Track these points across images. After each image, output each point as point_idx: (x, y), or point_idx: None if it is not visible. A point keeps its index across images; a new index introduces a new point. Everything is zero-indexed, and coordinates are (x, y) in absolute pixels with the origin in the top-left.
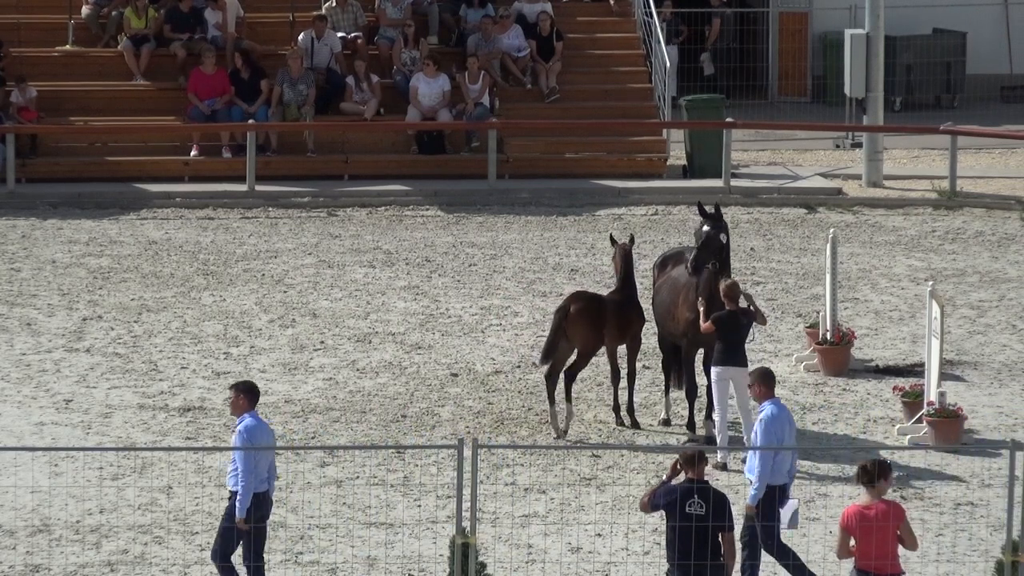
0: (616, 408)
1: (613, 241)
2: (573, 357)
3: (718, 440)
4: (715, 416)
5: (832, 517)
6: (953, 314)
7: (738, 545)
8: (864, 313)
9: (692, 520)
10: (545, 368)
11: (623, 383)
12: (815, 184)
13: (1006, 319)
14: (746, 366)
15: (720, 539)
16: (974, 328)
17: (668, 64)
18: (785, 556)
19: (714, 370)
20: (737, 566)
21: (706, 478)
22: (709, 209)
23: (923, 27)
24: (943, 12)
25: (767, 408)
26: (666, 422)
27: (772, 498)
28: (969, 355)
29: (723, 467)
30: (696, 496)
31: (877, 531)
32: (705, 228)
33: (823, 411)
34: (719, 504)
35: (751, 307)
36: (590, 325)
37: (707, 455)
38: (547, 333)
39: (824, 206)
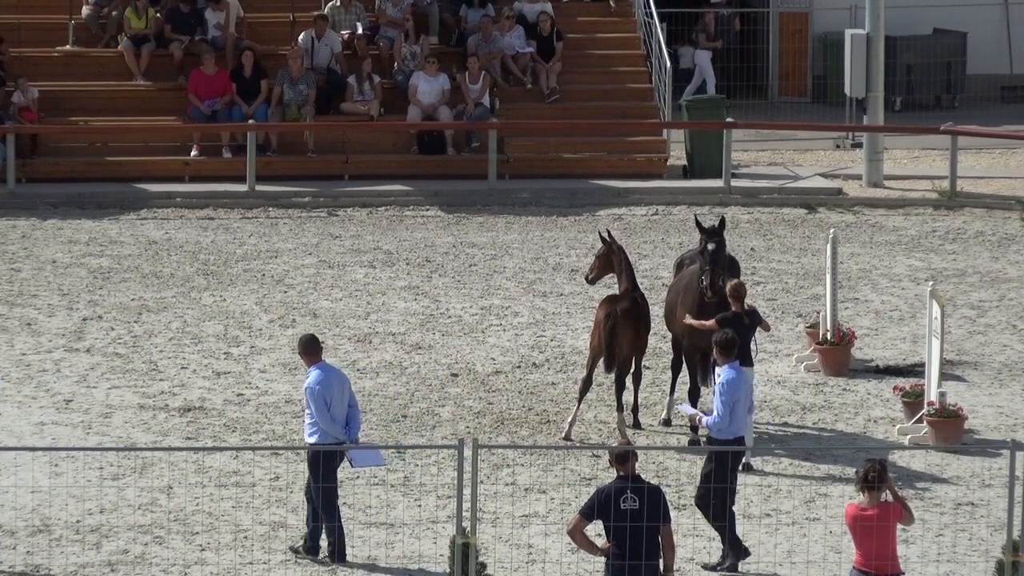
0: (635, 408)
1: (604, 240)
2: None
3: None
4: None
5: (832, 517)
6: (953, 314)
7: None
8: (864, 313)
9: (628, 517)
10: (610, 375)
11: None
12: (815, 184)
13: (1006, 319)
14: (751, 365)
15: (659, 533)
16: (974, 328)
17: (668, 64)
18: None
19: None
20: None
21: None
22: (709, 224)
23: (923, 27)
24: (943, 12)
25: (313, 374)
26: (666, 422)
27: (331, 457)
28: (969, 355)
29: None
30: (629, 492)
31: (876, 532)
32: (709, 246)
33: (823, 411)
34: (654, 498)
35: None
36: (633, 325)
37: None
38: (596, 343)
39: (824, 206)
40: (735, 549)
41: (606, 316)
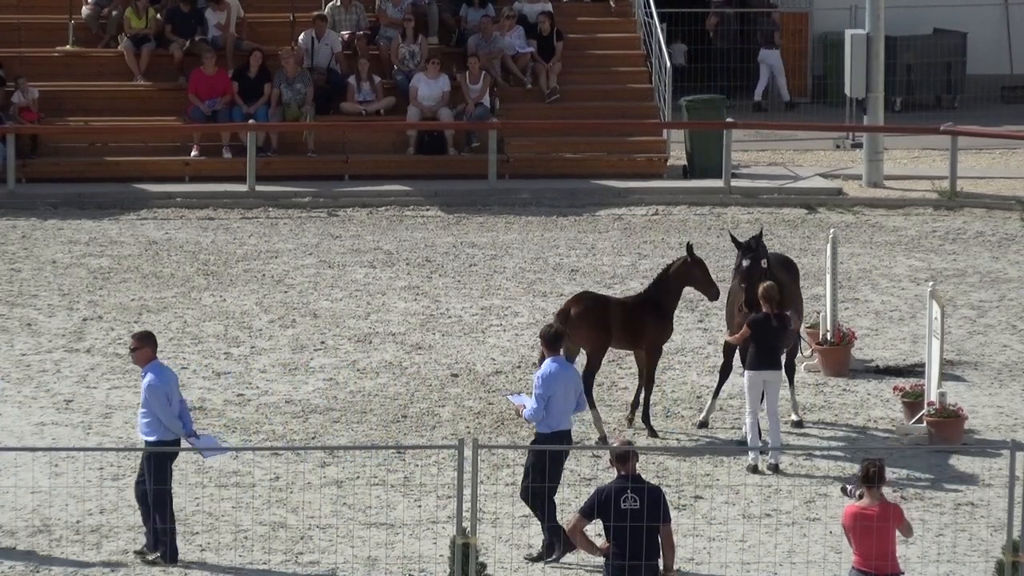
0: (632, 407)
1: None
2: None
3: (749, 442)
4: (746, 420)
5: (832, 517)
6: (953, 314)
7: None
8: (864, 313)
9: (628, 516)
10: None
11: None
12: (815, 184)
13: (1006, 319)
14: (780, 369)
15: (658, 533)
16: (974, 328)
17: (668, 64)
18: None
19: (748, 374)
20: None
21: (638, 473)
22: (745, 239)
23: (923, 27)
24: (943, 12)
25: (152, 371)
26: (703, 424)
27: (168, 457)
28: (969, 355)
29: (754, 469)
30: (630, 492)
31: (876, 532)
32: (744, 263)
33: (823, 411)
34: (654, 498)
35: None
36: (592, 327)
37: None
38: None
39: (824, 206)
40: (557, 541)
41: (558, 312)
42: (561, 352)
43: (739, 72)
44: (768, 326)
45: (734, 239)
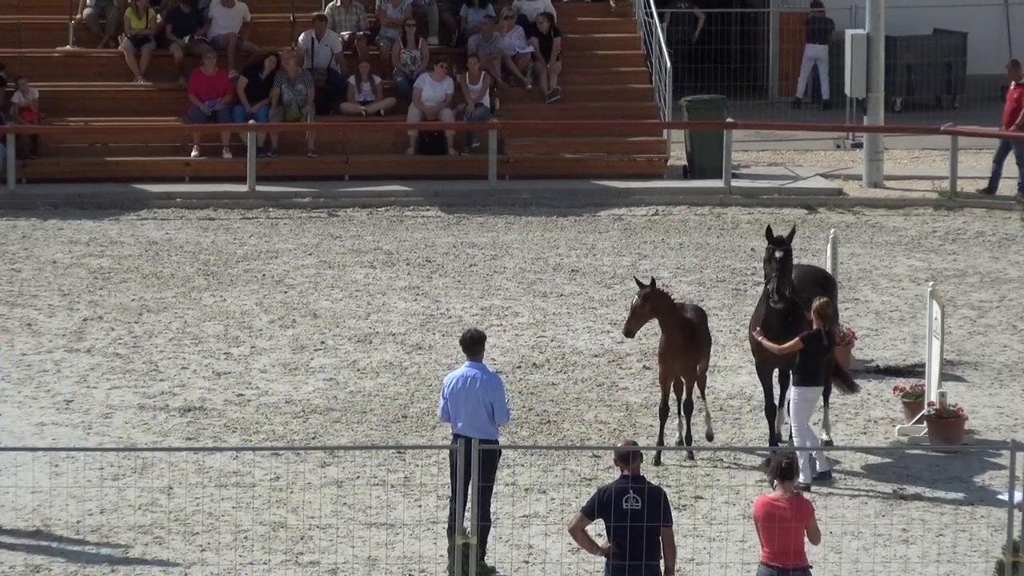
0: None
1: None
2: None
3: (800, 464)
4: (794, 439)
5: (832, 518)
6: (954, 314)
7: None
8: (865, 313)
9: (629, 516)
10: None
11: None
12: (816, 184)
13: (1007, 319)
14: (822, 385)
15: (659, 535)
16: (974, 328)
17: (668, 64)
18: None
19: (798, 390)
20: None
21: (642, 474)
22: (777, 234)
23: (923, 27)
24: (943, 12)
25: None
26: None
27: None
28: (970, 355)
29: (806, 488)
30: (631, 492)
31: (784, 526)
32: (777, 254)
33: (823, 411)
34: (655, 499)
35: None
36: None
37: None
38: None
39: (825, 206)
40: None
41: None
42: (480, 358)
43: (739, 72)
44: (818, 343)
45: (768, 233)
